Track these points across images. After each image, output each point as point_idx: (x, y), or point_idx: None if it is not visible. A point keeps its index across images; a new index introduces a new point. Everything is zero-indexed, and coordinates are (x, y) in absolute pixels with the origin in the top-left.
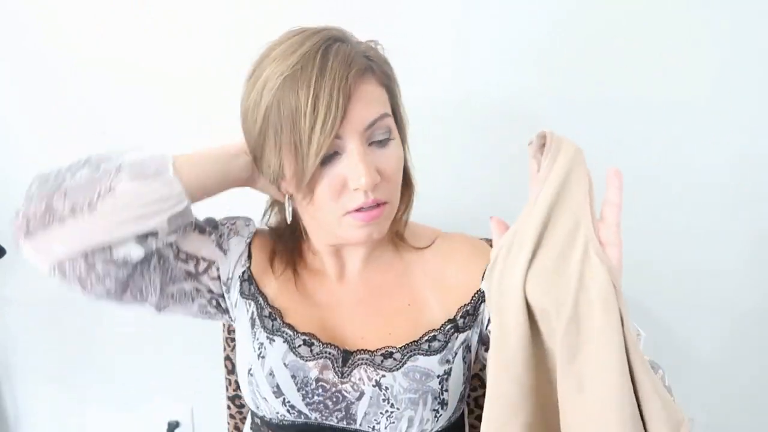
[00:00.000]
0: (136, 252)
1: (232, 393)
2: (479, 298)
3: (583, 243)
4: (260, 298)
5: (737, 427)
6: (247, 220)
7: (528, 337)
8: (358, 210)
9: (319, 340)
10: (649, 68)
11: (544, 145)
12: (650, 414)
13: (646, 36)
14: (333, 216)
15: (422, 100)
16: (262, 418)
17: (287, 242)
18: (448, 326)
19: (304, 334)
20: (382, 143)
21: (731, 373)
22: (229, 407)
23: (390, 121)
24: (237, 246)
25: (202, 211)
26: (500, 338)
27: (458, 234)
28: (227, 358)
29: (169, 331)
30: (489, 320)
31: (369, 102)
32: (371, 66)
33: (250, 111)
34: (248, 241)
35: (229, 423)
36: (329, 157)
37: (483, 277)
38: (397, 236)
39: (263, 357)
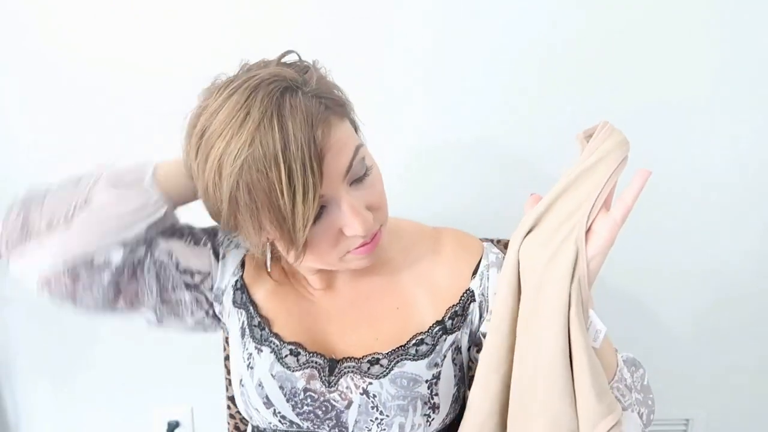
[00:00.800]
0: (117, 255)
1: (232, 393)
2: (468, 298)
3: (572, 224)
4: (251, 307)
5: (738, 427)
6: None
7: (515, 297)
8: (359, 246)
9: (305, 349)
10: (649, 69)
11: (592, 134)
12: (582, 394)
13: (647, 36)
14: (334, 259)
15: (425, 103)
16: (256, 427)
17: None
18: (436, 328)
19: (290, 343)
20: (363, 176)
21: (733, 372)
22: (229, 407)
23: (363, 150)
24: (235, 257)
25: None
26: (495, 303)
27: (449, 229)
28: (227, 358)
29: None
30: (480, 320)
31: (341, 148)
32: (329, 107)
33: (210, 190)
34: (245, 252)
35: (229, 423)
36: (317, 215)
37: (472, 275)
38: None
39: (252, 368)
